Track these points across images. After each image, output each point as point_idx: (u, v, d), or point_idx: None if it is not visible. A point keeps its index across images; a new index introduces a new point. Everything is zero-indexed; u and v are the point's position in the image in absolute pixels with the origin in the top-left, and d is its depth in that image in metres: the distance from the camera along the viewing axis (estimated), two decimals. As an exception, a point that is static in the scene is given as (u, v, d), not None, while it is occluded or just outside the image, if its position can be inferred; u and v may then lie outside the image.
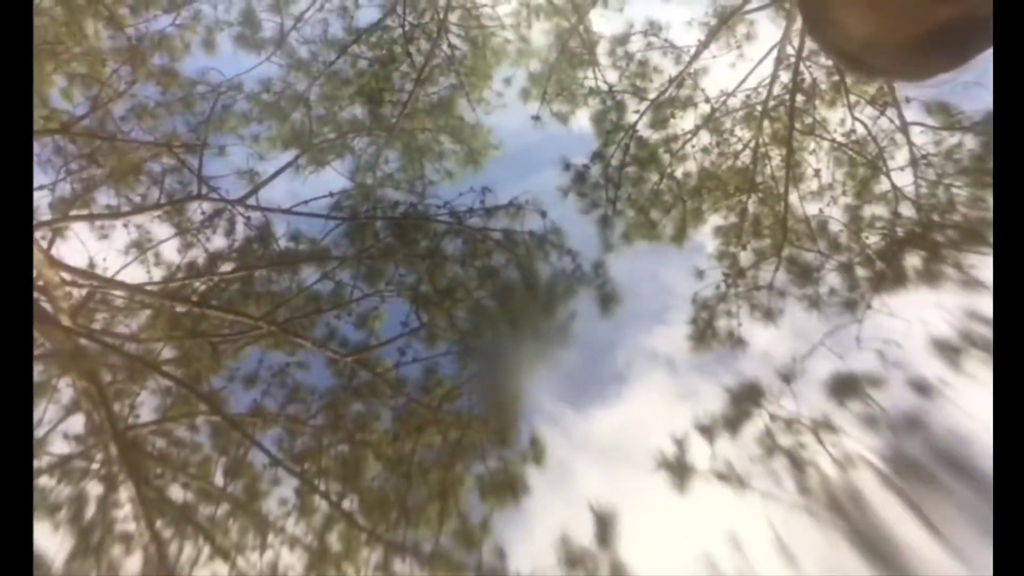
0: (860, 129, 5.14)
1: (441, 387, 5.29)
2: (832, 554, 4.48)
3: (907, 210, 5.01)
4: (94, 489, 4.77)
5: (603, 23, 5.52)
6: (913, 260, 4.93)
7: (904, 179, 4.99)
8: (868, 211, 5.12)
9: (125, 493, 4.74)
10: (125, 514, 4.67)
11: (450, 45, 5.48)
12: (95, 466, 4.83)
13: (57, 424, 4.86)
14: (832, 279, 5.18)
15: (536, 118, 5.52)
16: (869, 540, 4.44)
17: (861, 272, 5.09)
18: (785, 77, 5.18)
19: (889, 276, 4.97)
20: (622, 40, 5.47)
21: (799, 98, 5.16)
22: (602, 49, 5.50)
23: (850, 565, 4.40)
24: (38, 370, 4.83)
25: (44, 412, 4.81)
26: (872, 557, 4.39)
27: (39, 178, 4.93)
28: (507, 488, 5.07)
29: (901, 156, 5.02)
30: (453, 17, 5.49)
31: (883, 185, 5.11)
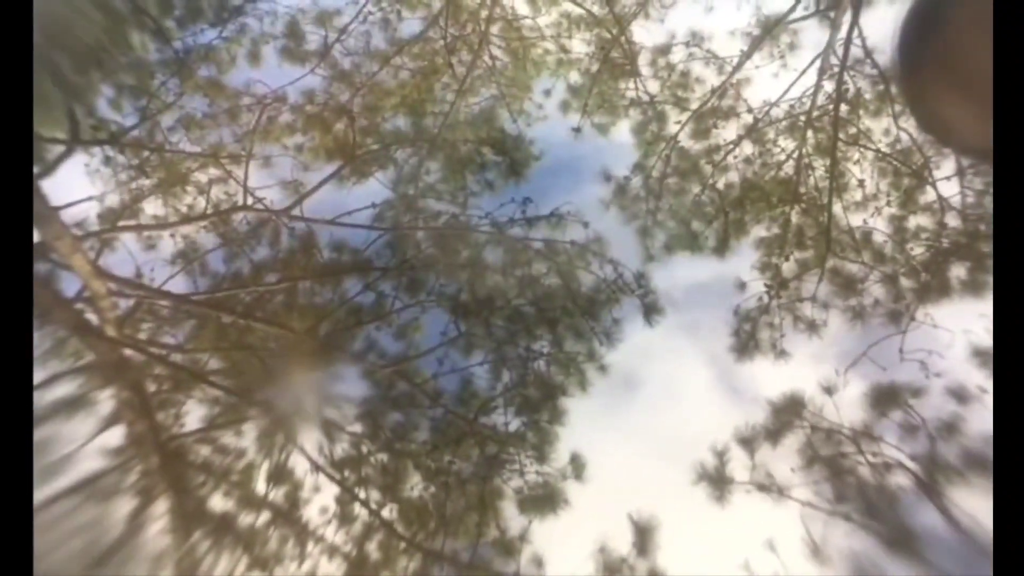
0: (904, 138, 5.08)
1: (477, 399, 5.27)
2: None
3: (953, 220, 4.94)
4: (128, 503, 4.71)
5: (644, 34, 5.51)
6: (958, 271, 4.87)
7: (950, 189, 4.93)
8: (913, 222, 5.06)
9: (163, 505, 4.69)
10: (161, 527, 4.63)
11: (491, 56, 5.49)
12: (133, 478, 4.80)
13: (95, 436, 4.81)
14: (876, 290, 5.14)
15: (577, 130, 5.51)
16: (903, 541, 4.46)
17: (905, 283, 5.03)
18: (829, 87, 5.14)
19: (934, 287, 4.91)
20: (664, 50, 5.45)
21: (843, 108, 5.11)
22: (643, 60, 5.48)
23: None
24: (78, 382, 4.83)
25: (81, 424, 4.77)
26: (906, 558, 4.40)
27: (87, 189, 4.98)
28: (547, 502, 5.04)
29: (947, 166, 4.96)
30: (494, 28, 5.50)
31: (928, 196, 5.05)
